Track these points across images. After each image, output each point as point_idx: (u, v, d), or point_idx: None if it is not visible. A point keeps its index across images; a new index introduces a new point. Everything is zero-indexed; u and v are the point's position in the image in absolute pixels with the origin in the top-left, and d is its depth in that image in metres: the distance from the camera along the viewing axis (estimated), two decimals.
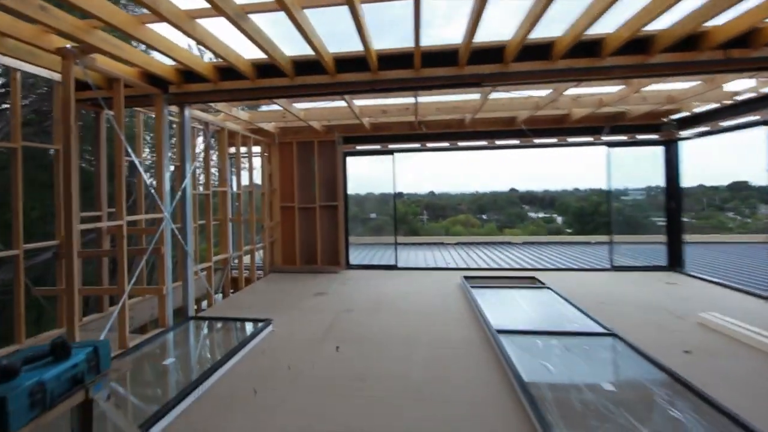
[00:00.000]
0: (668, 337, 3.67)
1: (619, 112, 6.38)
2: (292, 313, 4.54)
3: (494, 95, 4.93)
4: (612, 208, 7.15)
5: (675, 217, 6.79)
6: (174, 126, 4.95)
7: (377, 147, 7.03)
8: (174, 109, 4.20)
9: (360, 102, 5.46)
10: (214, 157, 5.83)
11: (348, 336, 3.77)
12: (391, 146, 6.97)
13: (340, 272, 6.89)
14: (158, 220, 3.69)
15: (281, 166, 7.19)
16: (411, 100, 5.28)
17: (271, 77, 3.57)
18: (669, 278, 6.13)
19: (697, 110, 6.09)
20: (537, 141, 6.81)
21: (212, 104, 4.25)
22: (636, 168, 7.16)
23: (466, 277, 5.91)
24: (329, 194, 7.15)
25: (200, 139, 5.91)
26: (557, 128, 6.70)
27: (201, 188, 6.18)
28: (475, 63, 3.44)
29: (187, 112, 3.97)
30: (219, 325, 4.08)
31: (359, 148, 7.07)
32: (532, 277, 5.98)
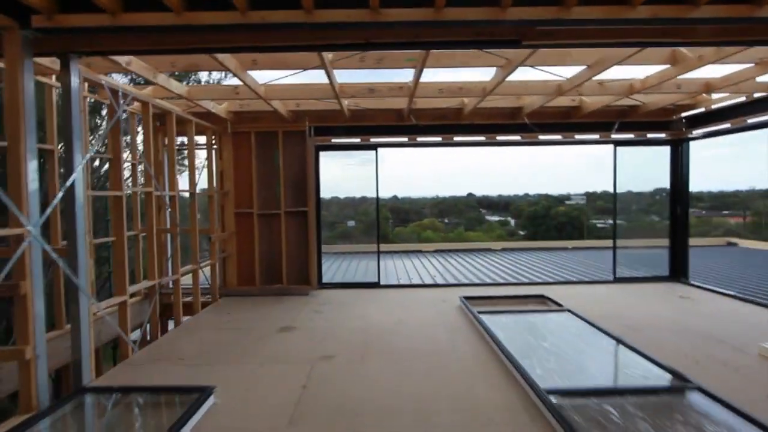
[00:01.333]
0: (742, 380, 2.84)
1: (632, 106, 5.62)
2: (246, 366, 3.15)
3: (513, 76, 3.88)
4: (616, 212, 6.39)
5: (680, 223, 6.15)
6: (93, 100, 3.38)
7: (357, 140, 5.78)
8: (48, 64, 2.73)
9: (343, 76, 4.19)
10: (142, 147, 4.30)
11: (330, 409, 2.48)
12: (375, 140, 5.76)
13: (312, 294, 5.53)
14: (13, 238, 2.21)
15: (236, 163, 5.72)
16: (406, 76, 4.12)
17: (211, 9, 2.24)
18: (677, 290, 5.56)
19: (715, 106, 5.46)
20: (542, 137, 5.90)
21: (121, 61, 2.80)
22: (639, 169, 6.49)
23: (466, 298, 4.81)
24: (297, 198, 5.79)
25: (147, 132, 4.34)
26: (564, 123, 5.83)
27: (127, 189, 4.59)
28: (522, 4, 2.34)
29: (74, 67, 2.51)
30: (129, 400, 2.61)
31: (336, 141, 5.79)
32: (542, 296, 5.00)
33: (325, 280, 5.96)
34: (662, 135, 6.04)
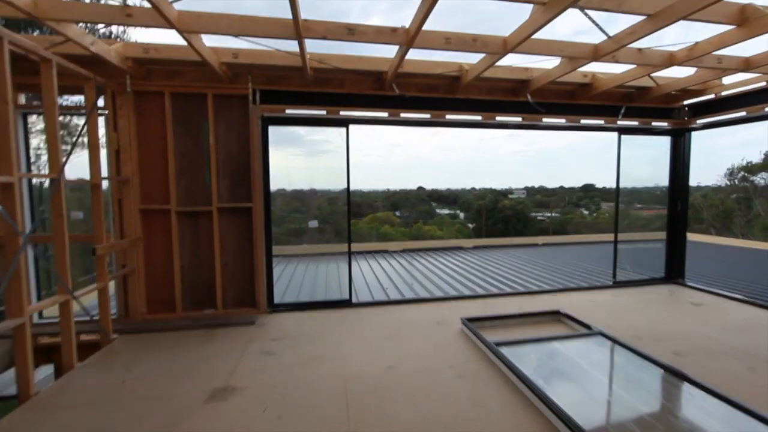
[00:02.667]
0: None
1: (641, 88, 4.92)
2: None
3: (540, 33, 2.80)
4: (618, 206, 5.77)
5: (679, 220, 5.71)
6: None
7: (321, 113, 4.35)
8: None
9: (308, 10, 2.78)
10: None
11: None
12: (346, 113, 4.38)
13: (260, 322, 4.06)
14: None
15: (141, 137, 4.00)
16: (404, 9, 2.85)
17: None
18: (683, 295, 5.04)
19: (726, 93, 4.97)
20: (546, 121, 5.00)
21: None
22: (636, 161, 5.94)
23: (469, 320, 3.74)
24: (237, 189, 4.24)
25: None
26: (569, 104, 4.97)
27: None
28: None
29: None
30: None
31: (291, 112, 4.30)
32: (557, 312, 4.10)
33: (278, 299, 4.51)
34: (664, 123, 5.48)
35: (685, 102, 5.38)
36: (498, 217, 45.30)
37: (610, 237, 12.01)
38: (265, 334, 3.70)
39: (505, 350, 3.03)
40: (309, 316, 4.23)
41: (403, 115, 4.55)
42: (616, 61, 3.57)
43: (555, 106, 4.88)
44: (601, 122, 5.21)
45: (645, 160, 5.93)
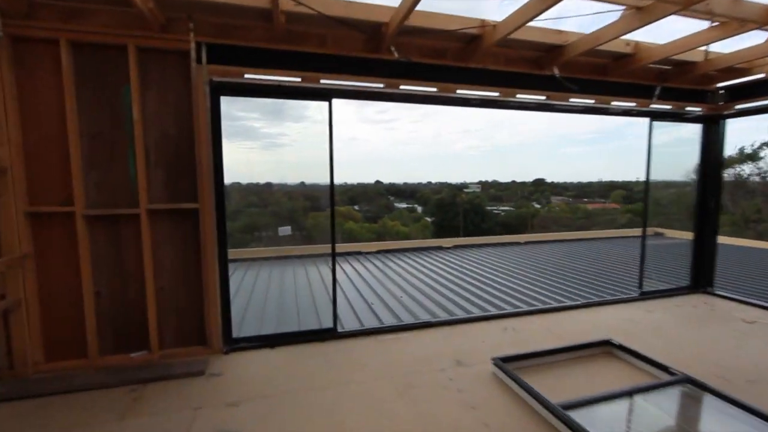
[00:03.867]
0: None
1: (683, 64, 4.22)
2: None
3: None
4: (649, 199, 5.10)
5: (710, 219, 5.16)
6: None
7: (295, 79, 3.27)
8: None
9: None
10: None
11: None
12: (328, 81, 3.32)
13: (213, 370, 2.98)
14: None
15: (26, 107, 2.77)
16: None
17: None
18: (722, 308, 4.49)
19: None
20: (572, 101, 4.20)
21: None
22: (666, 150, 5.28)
23: (504, 360, 2.89)
24: (179, 183, 3.10)
25: None
26: (599, 81, 4.20)
27: None
28: None
29: None
30: None
31: (253, 77, 3.18)
32: (606, 342, 3.31)
33: (237, 329, 3.44)
34: (697, 109, 4.86)
35: (720, 84, 4.79)
36: (456, 210, 46.44)
37: (592, 234, 11.87)
38: (222, 393, 2.64)
39: (576, 415, 2.19)
40: (282, 355, 3.20)
41: (404, 87, 3.56)
42: (711, 12, 2.77)
43: (583, 83, 4.08)
44: (632, 105, 4.50)
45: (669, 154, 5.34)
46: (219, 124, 3.19)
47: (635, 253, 9.06)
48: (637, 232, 12.69)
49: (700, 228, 5.20)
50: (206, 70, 3.03)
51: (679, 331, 3.72)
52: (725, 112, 4.85)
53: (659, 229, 12.78)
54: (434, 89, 3.66)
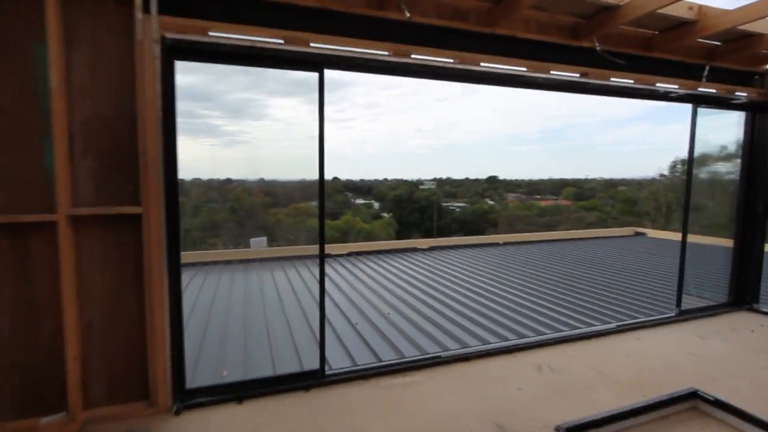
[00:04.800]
0: None
1: (743, 37, 3.62)
2: None
3: None
4: (689, 200, 4.42)
5: (757, 226, 4.59)
6: None
7: (276, 40, 2.52)
8: None
9: None
10: None
11: None
12: (319, 45, 2.58)
13: None
14: None
15: None
16: None
17: None
18: None
19: None
20: (613, 81, 3.56)
21: None
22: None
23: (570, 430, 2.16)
24: (113, 180, 2.31)
25: None
26: (641, 56, 3.58)
27: None
28: None
29: None
30: None
31: (220, 35, 2.42)
32: (692, 394, 2.61)
33: (192, 374, 2.64)
34: (743, 93, 4.30)
35: None
36: (414, 207, 46.94)
37: (573, 234, 11.30)
38: None
39: None
40: (254, 414, 2.39)
41: (414, 56, 2.85)
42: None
43: (622, 57, 3.44)
44: (674, 87, 3.89)
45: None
46: (173, 100, 2.41)
47: (628, 255, 8.60)
48: (618, 231, 12.24)
49: (743, 234, 4.62)
50: (157, 23, 2.26)
51: (760, 368, 3.07)
52: None
53: (640, 229, 12.43)
54: (451, 60, 2.96)
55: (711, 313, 4.41)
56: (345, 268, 7.17)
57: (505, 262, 7.90)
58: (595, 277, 6.66)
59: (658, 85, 3.78)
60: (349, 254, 8.37)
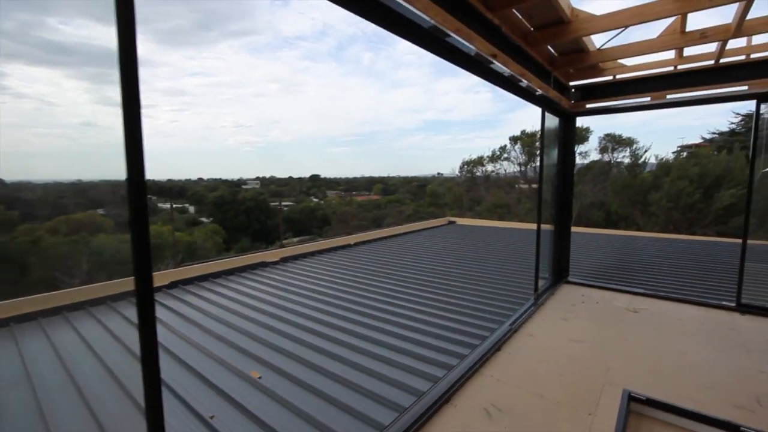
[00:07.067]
0: None
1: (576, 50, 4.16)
2: None
3: None
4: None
5: (567, 212, 5.64)
6: None
7: None
8: None
9: None
10: None
11: None
12: None
13: None
14: None
15: None
16: None
17: None
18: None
19: None
20: (503, 67, 3.42)
21: None
22: None
23: None
24: None
25: None
26: (523, 49, 3.62)
27: None
28: None
29: None
30: None
31: None
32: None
33: None
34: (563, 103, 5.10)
35: None
36: (239, 209, 44.24)
37: (406, 228, 12.06)
38: None
39: None
40: None
41: None
42: None
43: (512, 48, 3.37)
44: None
45: None
46: None
47: (464, 243, 9.37)
48: (436, 222, 13.75)
49: (559, 219, 5.56)
50: None
51: (620, 340, 3.51)
52: None
53: (451, 218, 14.74)
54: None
55: (550, 292, 5.11)
56: (164, 308, 5.09)
57: (364, 264, 7.43)
58: (456, 269, 6.74)
59: (524, 82, 3.93)
60: (170, 285, 6.02)
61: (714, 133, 23.45)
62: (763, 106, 3.85)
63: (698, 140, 24.49)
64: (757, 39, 3.63)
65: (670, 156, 19.96)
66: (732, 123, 22.67)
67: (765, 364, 3.03)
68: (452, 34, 2.55)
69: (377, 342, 3.83)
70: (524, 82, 3.83)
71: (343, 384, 3.08)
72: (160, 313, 4.88)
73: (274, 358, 3.55)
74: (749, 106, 22.40)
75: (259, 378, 3.26)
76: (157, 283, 5.94)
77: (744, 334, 3.61)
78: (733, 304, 4.32)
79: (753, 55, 3.84)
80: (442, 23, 2.37)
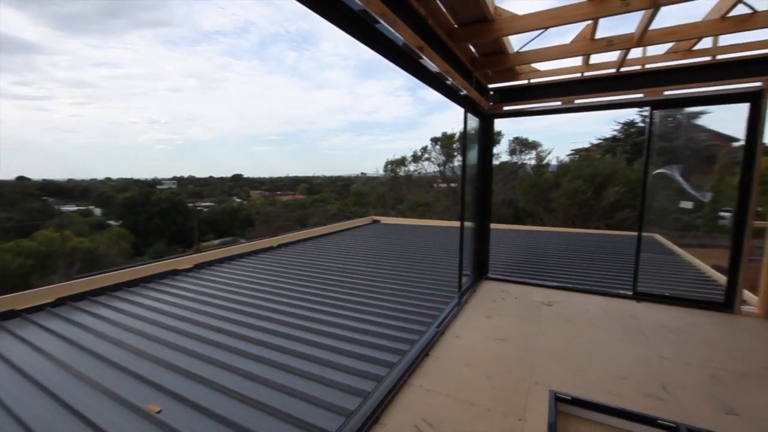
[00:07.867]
0: None
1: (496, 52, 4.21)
2: None
3: None
4: (464, 190, 4.91)
5: (486, 211, 5.82)
6: None
7: None
8: None
9: None
10: None
11: None
12: None
13: None
14: None
15: None
16: None
17: None
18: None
19: None
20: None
21: None
22: None
23: None
24: None
25: None
26: (446, 45, 3.55)
27: None
28: None
29: None
30: None
31: None
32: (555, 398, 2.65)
33: None
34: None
35: None
36: (153, 210, 40.96)
37: (333, 228, 11.96)
38: None
39: None
40: None
41: None
42: None
43: (438, 43, 3.26)
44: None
45: None
46: None
47: (391, 242, 9.50)
48: (361, 221, 13.92)
49: (480, 217, 5.73)
50: None
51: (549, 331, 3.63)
52: None
53: (375, 217, 14.93)
54: None
55: (473, 289, 5.22)
56: (49, 334, 4.09)
57: (288, 267, 6.90)
58: (382, 269, 6.59)
59: (450, 80, 3.89)
60: (57, 303, 4.92)
61: (600, 139, 26.89)
62: (655, 113, 4.29)
63: (587, 145, 27.96)
64: (652, 50, 4.02)
65: (566, 159, 22.38)
66: (614, 130, 26.21)
67: (662, 350, 3.35)
68: (380, 20, 2.31)
69: (301, 355, 3.47)
70: (450, 80, 3.76)
71: (258, 408, 2.70)
72: (37, 338, 3.93)
73: (178, 384, 3.00)
74: (630, 114, 26.11)
75: (158, 412, 2.71)
76: (38, 301, 4.87)
77: (642, 321, 4.00)
78: (631, 293, 4.80)
79: (648, 66, 4.26)
80: (368, 4, 2.13)
